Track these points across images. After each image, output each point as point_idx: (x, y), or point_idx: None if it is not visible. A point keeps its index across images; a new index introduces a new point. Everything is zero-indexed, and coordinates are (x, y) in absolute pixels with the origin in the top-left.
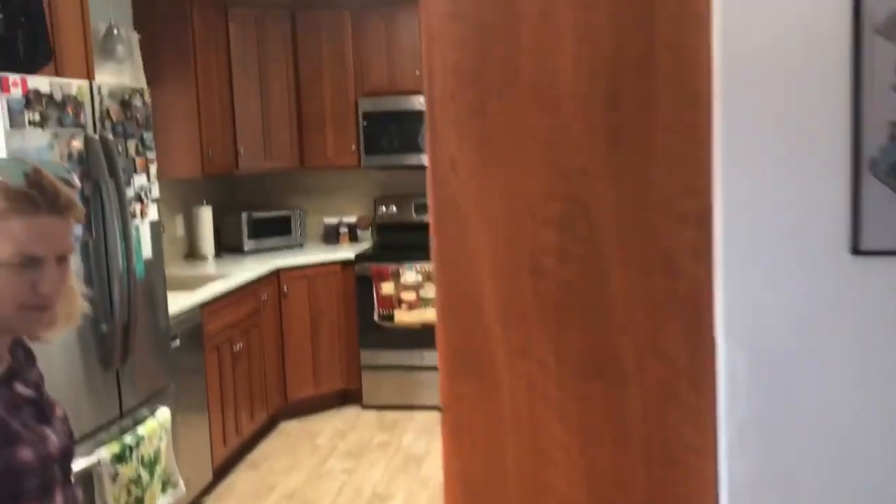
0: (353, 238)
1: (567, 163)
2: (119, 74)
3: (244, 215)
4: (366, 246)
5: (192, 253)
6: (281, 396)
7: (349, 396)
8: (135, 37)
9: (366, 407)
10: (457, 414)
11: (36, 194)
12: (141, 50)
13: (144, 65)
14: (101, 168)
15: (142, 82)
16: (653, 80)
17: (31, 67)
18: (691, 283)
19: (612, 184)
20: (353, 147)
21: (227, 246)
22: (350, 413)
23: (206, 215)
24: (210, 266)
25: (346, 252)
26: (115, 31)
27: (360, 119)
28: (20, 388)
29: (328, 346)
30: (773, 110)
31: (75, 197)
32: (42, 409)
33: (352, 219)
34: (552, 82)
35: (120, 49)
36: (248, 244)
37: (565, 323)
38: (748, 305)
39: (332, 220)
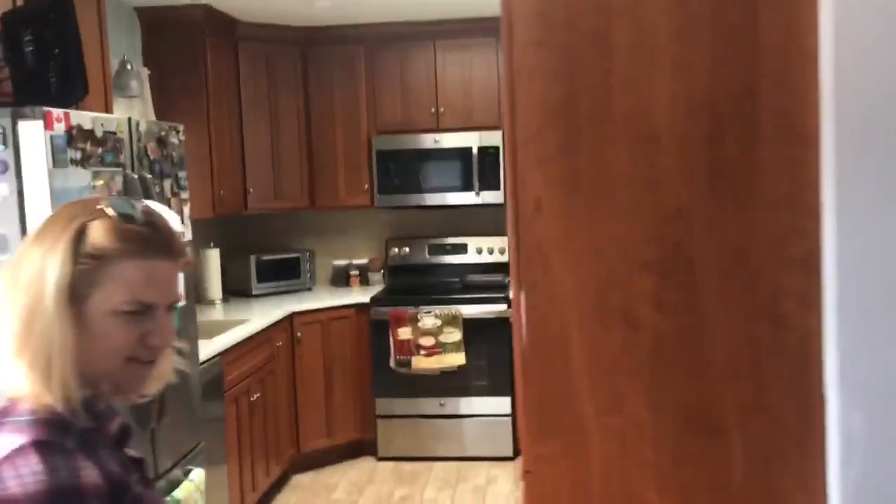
0: (364, 281)
1: (664, 203)
2: (130, 111)
3: (252, 258)
4: (377, 289)
5: (199, 297)
6: (294, 447)
7: (363, 447)
8: (145, 72)
9: (381, 458)
10: (540, 477)
11: (150, 235)
12: (150, 86)
13: (154, 101)
14: None
15: (152, 118)
16: (756, 117)
17: (65, 102)
18: (799, 332)
19: (713, 226)
20: (366, 186)
21: (234, 289)
22: (365, 465)
23: (214, 258)
24: (219, 311)
25: (358, 295)
26: (129, 67)
27: (374, 158)
28: (129, 450)
29: (342, 394)
30: (890, 148)
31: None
32: (145, 471)
33: (362, 260)
34: (647, 117)
35: (133, 85)
36: (256, 287)
37: (661, 376)
38: (864, 358)
39: (342, 262)
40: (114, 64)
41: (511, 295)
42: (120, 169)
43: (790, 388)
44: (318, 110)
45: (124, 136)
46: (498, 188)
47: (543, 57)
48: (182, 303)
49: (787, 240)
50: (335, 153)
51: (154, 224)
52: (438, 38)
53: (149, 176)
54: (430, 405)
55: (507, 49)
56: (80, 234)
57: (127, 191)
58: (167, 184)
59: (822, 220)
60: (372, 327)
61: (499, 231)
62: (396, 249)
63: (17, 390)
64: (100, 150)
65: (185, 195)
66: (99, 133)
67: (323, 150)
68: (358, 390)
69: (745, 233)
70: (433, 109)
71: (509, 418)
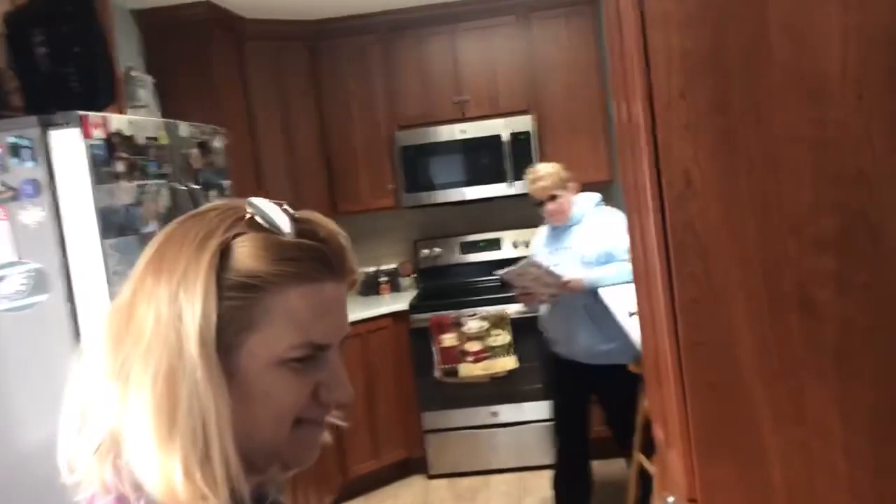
0: (395, 287)
1: (841, 166)
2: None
3: None
4: (410, 294)
5: None
6: (341, 474)
7: (412, 466)
8: (148, 80)
9: (432, 476)
10: None
11: (314, 248)
12: (157, 94)
13: (162, 111)
14: None
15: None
16: None
17: (91, 107)
18: None
19: None
20: (390, 186)
21: None
22: (417, 484)
23: None
24: None
25: (392, 303)
26: (133, 75)
27: (397, 155)
28: None
29: (386, 411)
30: None
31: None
32: None
33: (391, 265)
34: (814, 64)
35: (141, 94)
36: None
37: (850, 373)
38: None
39: (369, 270)
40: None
41: (636, 291)
42: (165, 181)
43: None
44: (333, 108)
45: (166, 142)
46: None
47: (683, 2)
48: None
49: None
50: (354, 153)
51: (314, 232)
52: (457, 22)
53: (197, 187)
54: (481, 415)
55: None
56: (223, 257)
57: (176, 208)
58: (212, 195)
59: None
60: (412, 336)
61: (534, 222)
62: (427, 251)
63: (166, 493)
64: (141, 161)
65: None
66: (140, 140)
67: (341, 151)
68: (402, 405)
69: None
70: (456, 98)
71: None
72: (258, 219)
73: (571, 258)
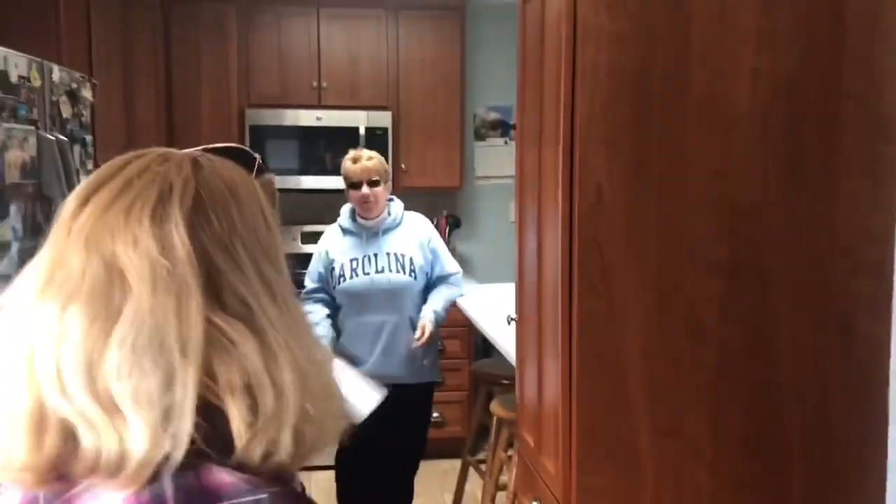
0: None
1: (738, 197)
2: None
3: None
4: None
5: None
6: None
7: None
8: None
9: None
10: None
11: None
12: None
13: None
14: (55, 181)
15: None
16: (839, 102)
17: None
18: (866, 344)
19: (788, 225)
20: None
21: None
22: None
23: None
24: None
25: None
26: None
27: (246, 133)
28: None
29: None
30: None
31: None
32: None
33: None
34: (727, 97)
35: None
36: None
37: (725, 394)
38: None
39: None
40: None
41: (520, 299)
42: (33, 128)
43: (855, 405)
44: (182, 76)
45: (38, 84)
46: None
47: (615, 22)
48: None
49: (863, 243)
50: (199, 125)
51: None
52: (322, 6)
53: (64, 139)
54: None
55: (570, 6)
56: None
57: (41, 158)
58: (76, 151)
59: None
60: None
61: None
62: None
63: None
64: (11, 101)
65: (90, 166)
66: (13, 78)
67: (185, 121)
68: None
69: (822, 233)
70: (315, 84)
71: None
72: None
73: (395, 264)
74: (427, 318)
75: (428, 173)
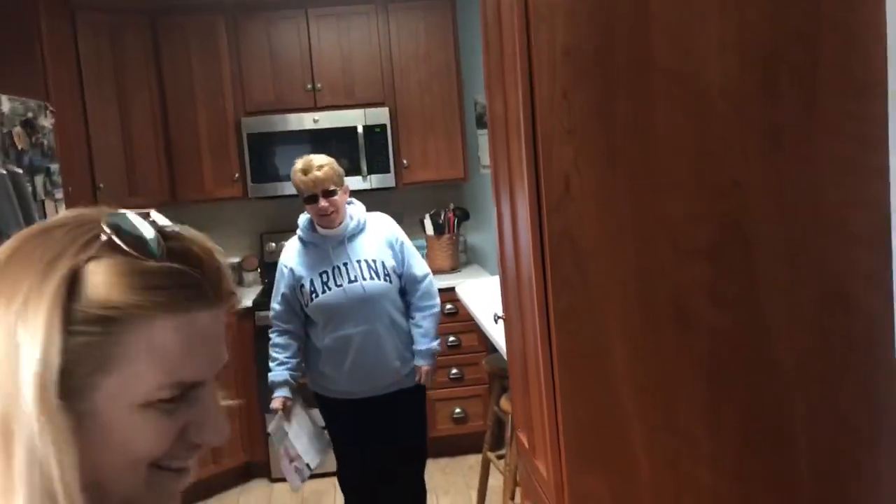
0: (239, 282)
1: (717, 175)
2: None
3: None
4: (255, 290)
5: None
6: None
7: (253, 470)
8: None
9: (276, 479)
10: None
11: (189, 273)
12: None
13: None
14: (11, 216)
15: None
16: (816, 67)
17: None
18: (866, 318)
19: (773, 198)
20: (237, 175)
21: None
22: (259, 489)
23: None
24: None
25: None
26: None
27: (244, 142)
28: None
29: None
30: None
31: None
32: None
33: (234, 259)
34: (694, 71)
35: None
36: None
37: (719, 385)
38: None
39: None
40: None
41: (503, 296)
42: None
43: (861, 384)
44: (175, 91)
45: None
46: (388, 170)
47: None
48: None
49: (852, 211)
50: (197, 139)
51: (186, 252)
52: (309, 6)
53: (19, 171)
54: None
55: None
56: (72, 285)
57: None
58: (39, 181)
59: (890, 185)
60: (257, 335)
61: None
62: (273, 244)
63: None
64: None
65: (59, 194)
66: None
67: (183, 136)
68: (244, 407)
69: (809, 204)
70: (309, 86)
71: None
72: (116, 240)
73: (368, 271)
74: (424, 368)
75: (431, 167)
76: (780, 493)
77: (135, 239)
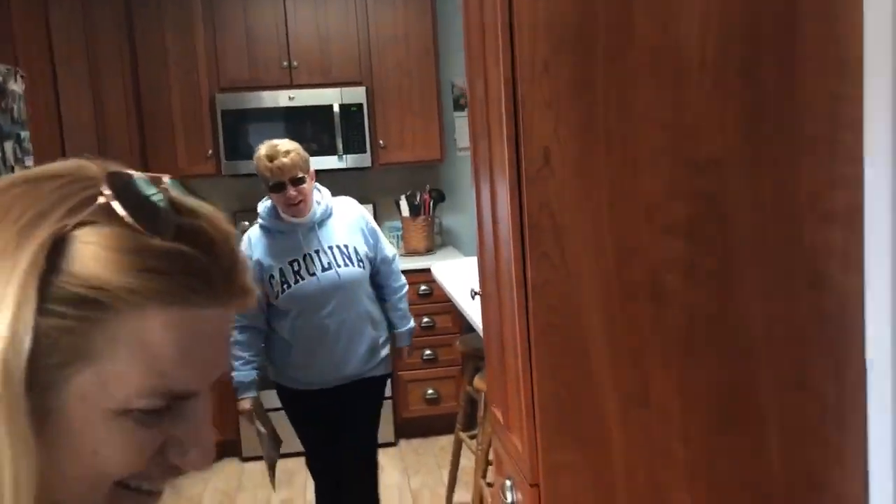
0: None
1: (695, 151)
2: None
3: None
4: None
5: None
6: None
7: (225, 448)
8: None
9: (247, 459)
10: (556, 491)
11: (200, 259)
12: None
13: None
14: None
15: None
16: (794, 45)
17: None
18: (839, 296)
19: (750, 176)
20: (210, 152)
21: None
22: (230, 469)
23: None
24: None
25: None
26: None
27: (218, 119)
28: None
29: None
30: None
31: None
32: None
33: None
34: (675, 46)
35: None
36: None
37: (693, 359)
38: None
39: None
40: None
41: (480, 271)
42: None
43: (832, 359)
44: (148, 65)
45: None
46: (364, 150)
47: None
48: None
49: (828, 191)
50: (170, 114)
51: (198, 234)
52: None
53: None
54: None
55: None
56: (54, 254)
57: None
58: (8, 147)
59: (865, 166)
60: None
61: (365, 199)
62: (247, 223)
63: None
64: None
65: (29, 162)
66: None
67: (156, 111)
68: (216, 387)
69: (786, 183)
70: (285, 63)
71: (389, 400)
72: (116, 205)
73: (341, 258)
74: (406, 348)
75: (407, 147)
76: (751, 467)
77: (140, 207)
